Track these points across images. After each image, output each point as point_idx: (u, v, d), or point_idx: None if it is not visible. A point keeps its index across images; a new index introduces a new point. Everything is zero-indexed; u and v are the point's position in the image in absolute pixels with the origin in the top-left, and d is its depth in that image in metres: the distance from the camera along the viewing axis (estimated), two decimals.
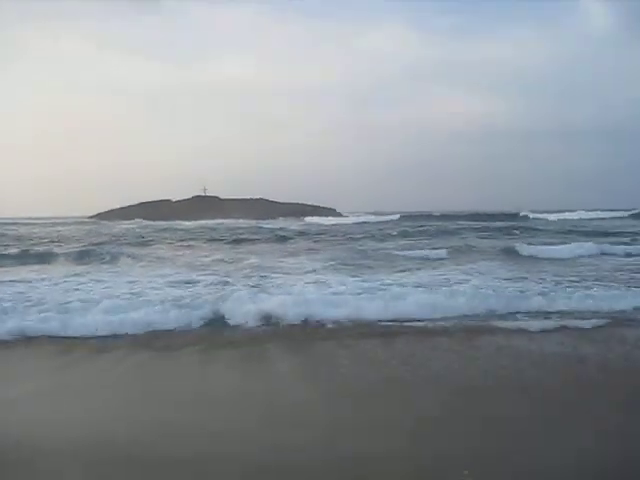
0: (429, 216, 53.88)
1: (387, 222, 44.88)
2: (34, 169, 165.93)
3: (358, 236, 27.28)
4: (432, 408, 5.15)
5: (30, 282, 12.06)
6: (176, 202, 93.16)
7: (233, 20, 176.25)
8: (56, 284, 11.82)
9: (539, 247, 19.46)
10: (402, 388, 5.72)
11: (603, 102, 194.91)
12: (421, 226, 34.13)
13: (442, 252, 18.34)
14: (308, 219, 60.00)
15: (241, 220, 56.64)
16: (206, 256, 18.60)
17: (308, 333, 8.23)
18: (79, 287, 11.38)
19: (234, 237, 27.65)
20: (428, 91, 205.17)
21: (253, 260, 16.56)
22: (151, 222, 54.31)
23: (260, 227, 37.06)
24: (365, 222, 47.83)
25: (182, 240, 26.63)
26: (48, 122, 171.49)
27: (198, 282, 11.87)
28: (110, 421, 4.89)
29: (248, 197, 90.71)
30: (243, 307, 9.08)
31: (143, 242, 25.52)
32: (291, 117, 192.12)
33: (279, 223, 49.54)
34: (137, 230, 36.72)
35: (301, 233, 30.37)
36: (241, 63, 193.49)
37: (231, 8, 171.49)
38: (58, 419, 4.98)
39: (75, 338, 7.99)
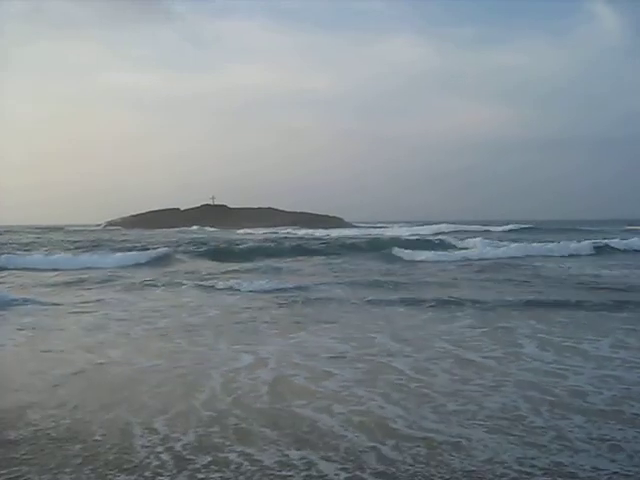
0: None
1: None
2: (44, 177, 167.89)
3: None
4: None
5: None
6: (184, 211, 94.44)
7: (244, 32, 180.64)
8: None
9: None
10: None
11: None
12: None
13: None
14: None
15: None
16: None
17: None
18: None
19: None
20: (438, 101, 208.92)
21: None
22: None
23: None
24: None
25: None
26: (59, 131, 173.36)
27: None
28: None
29: (256, 206, 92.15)
30: None
31: None
32: (300, 127, 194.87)
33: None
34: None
35: None
36: (251, 74, 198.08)
37: (241, 20, 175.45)
38: None
39: None
